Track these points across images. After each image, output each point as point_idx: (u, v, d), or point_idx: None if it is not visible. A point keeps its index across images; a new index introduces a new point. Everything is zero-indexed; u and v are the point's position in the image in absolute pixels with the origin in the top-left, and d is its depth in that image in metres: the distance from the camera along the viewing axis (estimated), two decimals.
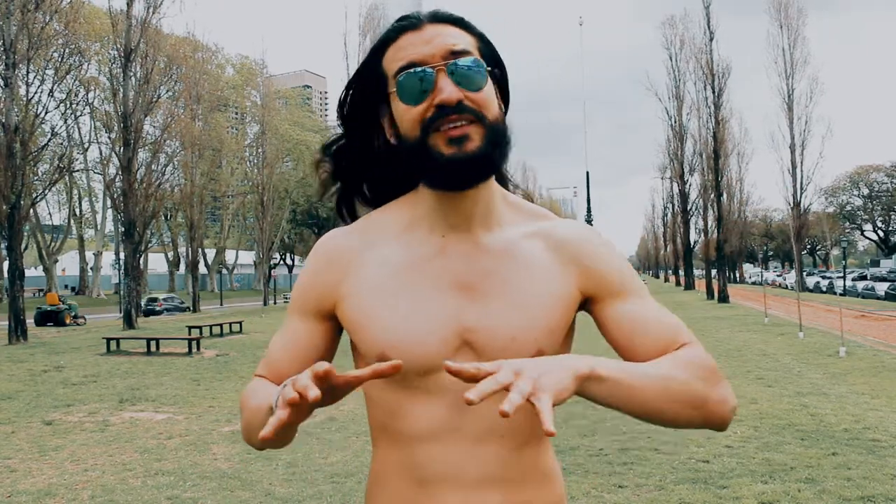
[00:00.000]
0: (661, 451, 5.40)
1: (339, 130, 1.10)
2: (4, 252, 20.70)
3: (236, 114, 54.99)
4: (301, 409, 0.78)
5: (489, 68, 0.97)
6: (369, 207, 1.11)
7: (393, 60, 0.96)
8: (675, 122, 40.02)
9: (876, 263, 64.17)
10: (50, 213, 48.96)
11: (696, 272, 51.03)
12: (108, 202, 34.56)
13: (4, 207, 17.43)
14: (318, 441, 6.08)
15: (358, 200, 1.12)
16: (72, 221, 45.84)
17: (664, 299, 35.05)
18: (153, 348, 14.06)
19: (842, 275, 42.90)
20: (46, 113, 23.33)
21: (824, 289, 41.89)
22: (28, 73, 19.32)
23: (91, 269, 47.29)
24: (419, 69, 0.93)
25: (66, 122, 36.39)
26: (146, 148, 27.26)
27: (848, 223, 71.03)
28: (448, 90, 0.91)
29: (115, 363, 12.31)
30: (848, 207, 70.51)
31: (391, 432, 1.01)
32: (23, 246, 21.04)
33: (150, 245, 42.03)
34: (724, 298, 31.20)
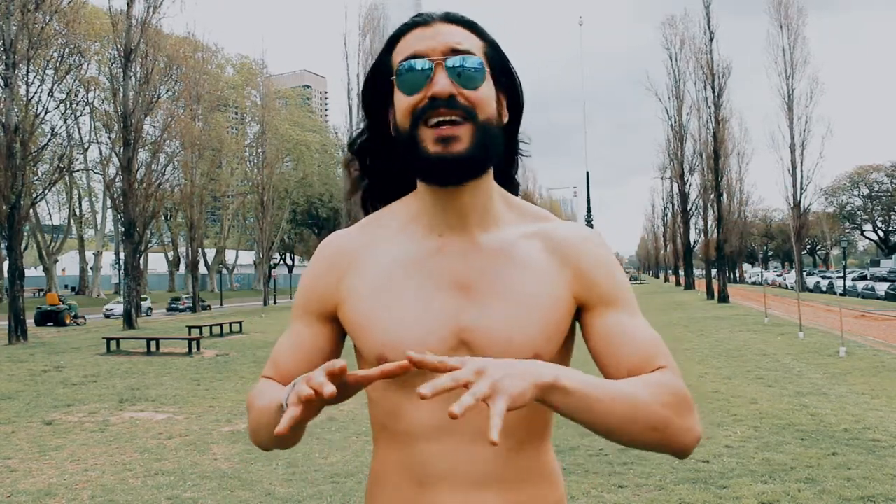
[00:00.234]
0: None
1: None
2: (4, 252, 20.70)
3: (236, 114, 55.01)
4: (313, 405, 0.79)
5: (492, 73, 0.99)
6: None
7: (399, 53, 0.99)
8: (675, 122, 40.03)
9: (876, 263, 64.18)
10: (50, 213, 49.00)
11: (696, 272, 51.03)
12: (108, 202, 34.57)
13: (4, 207, 17.43)
14: (318, 441, 6.08)
15: (375, 201, 1.12)
16: (72, 221, 45.86)
17: (664, 299, 35.08)
18: (153, 348, 14.06)
19: (842, 275, 42.90)
20: (46, 113, 23.36)
21: (824, 289, 41.90)
22: (28, 73, 19.33)
23: (91, 269, 47.31)
24: (420, 61, 0.95)
25: (66, 122, 36.42)
26: (146, 148, 27.27)
27: (848, 223, 71.04)
28: (442, 83, 0.93)
29: (115, 363, 12.31)
30: (848, 207, 70.53)
31: (391, 432, 1.02)
32: (23, 246, 21.04)
33: (150, 245, 42.05)
34: (724, 298, 31.20)
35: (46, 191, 32.99)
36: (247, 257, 69.35)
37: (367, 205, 1.13)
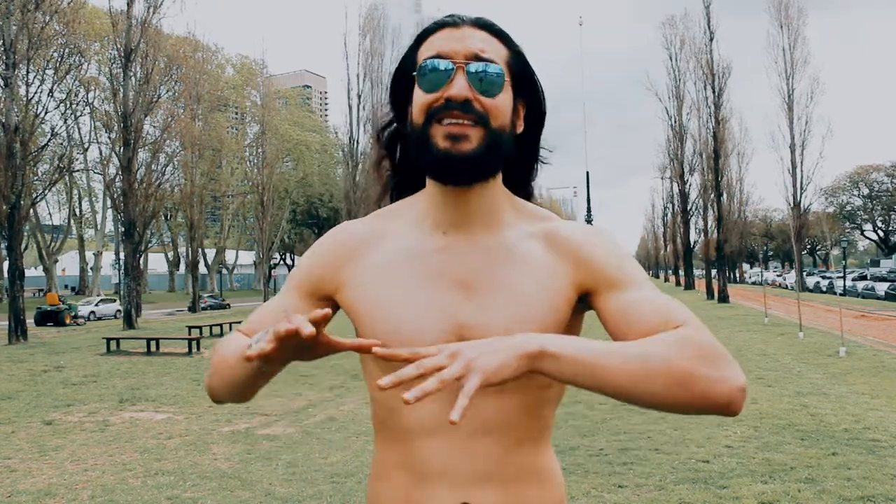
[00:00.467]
0: (661, 451, 5.40)
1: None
2: (4, 252, 20.70)
3: (236, 114, 54.99)
4: (286, 347, 0.80)
5: (513, 82, 1.00)
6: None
7: (425, 50, 1.01)
8: (675, 122, 40.01)
9: (876, 263, 64.15)
10: (50, 213, 48.98)
11: (696, 272, 51.02)
12: (108, 202, 34.56)
13: (4, 207, 17.43)
14: (318, 441, 6.08)
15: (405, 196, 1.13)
16: (72, 221, 45.85)
17: None
18: (153, 348, 14.06)
19: (842, 275, 42.89)
20: (46, 113, 23.35)
21: (824, 289, 41.89)
22: (28, 73, 19.32)
23: (91, 269, 47.29)
24: (442, 62, 0.97)
25: (66, 122, 36.40)
26: (146, 148, 27.27)
27: (848, 223, 71.03)
28: (460, 86, 0.95)
29: (115, 363, 12.31)
30: (848, 207, 70.51)
31: (390, 428, 1.03)
32: (23, 246, 21.04)
33: (150, 245, 42.07)
34: (724, 298, 31.20)
35: (46, 191, 32.98)
36: (247, 257, 69.35)
37: (394, 198, 1.15)
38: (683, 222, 42.02)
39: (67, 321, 24.52)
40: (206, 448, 5.96)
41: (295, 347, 0.82)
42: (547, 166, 1.14)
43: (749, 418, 6.51)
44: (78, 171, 42.03)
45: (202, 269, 50.94)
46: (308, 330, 0.77)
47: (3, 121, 17.40)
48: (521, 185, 1.11)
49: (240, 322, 14.33)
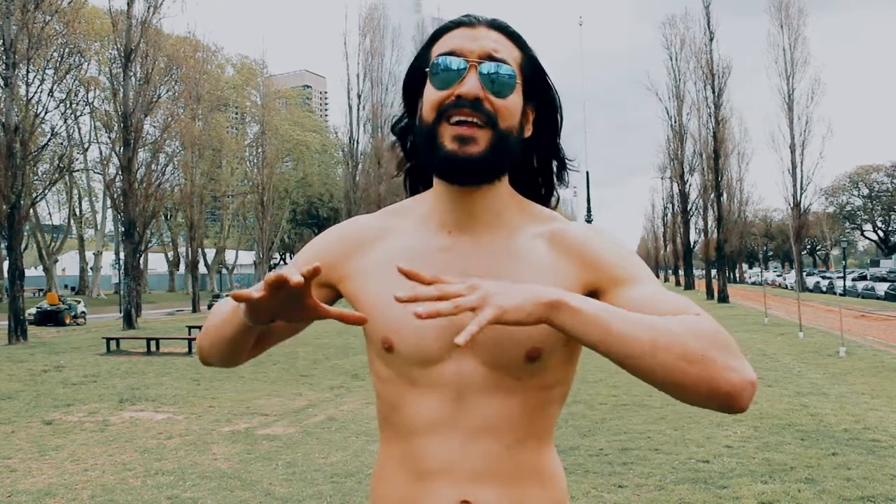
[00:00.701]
0: (661, 451, 5.40)
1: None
2: (4, 252, 20.70)
3: (236, 114, 54.99)
4: (273, 299, 0.84)
5: (524, 85, 1.01)
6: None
7: (438, 48, 1.02)
8: (675, 121, 40.01)
9: (876, 263, 64.15)
10: (50, 213, 48.96)
11: (696, 272, 51.03)
12: (108, 202, 34.55)
13: (4, 207, 17.43)
14: (318, 441, 6.08)
15: (417, 182, 1.15)
16: (72, 221, 45.83)
17: None
18: (153, 348, 14.06)
19: (842, 275, 42.90)
20: (46, 113, 23.34)
21: (824, 289, 41.90)
22: (28, 73, 19.31)
23: (91, 268, 47.28)
24: (455, 59, 0.98)
25: (66, 122, 36.39)
26: (146, 148, 27.26)
27: (848, 223, 71.01)
28: (471, 85, 0.96)
29: (115, 363, 12.31)
30: (848, 207, 70.51)
31: (393, 425, 1.04)
32: (23, 246, 21.03)
33: (150, 245, 42.04)
34: (724, 298, 31.21)
35: (46, 191, 32.97)
36: (247, 257, 69.32)
37: (407, 184, 1.16)
38: (683, 222, 42.02)
39: (67, 321, 24.51)
40: (206, 448, 5.96)
41: (283, 301, 0.85)
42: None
43: (749, 418, 6.51)
44: (78, 171, 42.00)
45: (202, 268, 50.92)
46: (296, 279, 0.80)
47: (3, 121, 17.40)
48: (531, 191, 1.11)
49: None
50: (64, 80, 26.50)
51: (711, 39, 34.30)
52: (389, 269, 1.02)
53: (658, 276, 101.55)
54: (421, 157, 1.04)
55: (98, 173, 40.87)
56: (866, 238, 75.91)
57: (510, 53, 1.00)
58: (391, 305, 0.99)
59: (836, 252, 74.07)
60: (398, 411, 1.02)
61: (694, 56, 36.36)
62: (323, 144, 56.02)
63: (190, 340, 13.99)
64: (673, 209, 51.69)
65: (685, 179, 40.54)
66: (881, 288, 34.59)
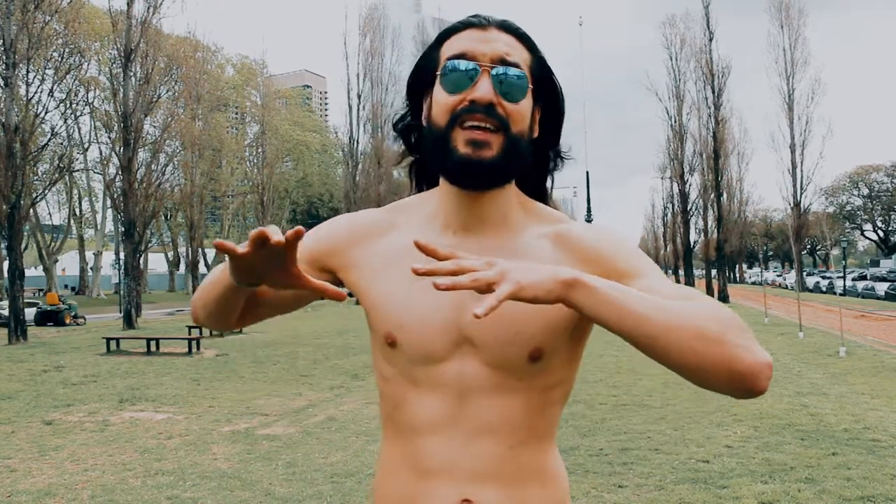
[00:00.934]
0: (661, 451, 5.40)
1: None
2: (4, 252, 20.69)
3: (236, 114, 55.00)
4: (257, 257, 0.84)
5: (533, 88, 1.01)
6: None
7: (448, 49, 1.01)
8: (675, 121, 39.96)
9: (876, 263, 64.14)
10: (50, 213, 48.95)
11: (696, 272, 51.03)
12: (108, 202, 34.55)
13: (4, 207, 17.43)
14: (318, 441, 6.08)
15: (421, 177, 1.15)
16: (72, 221, 45.83)
17: None
18: (153, 348, 14.06)
19: (842, 275, 42.90)
20: (46, 113, 23.34)
21: (824, 289, 41.90)
22: (28, 73, 19.31)
23: (91, 268, 47.28)
24: (468, 63, 0.97)
25: (66, 122, 36.39)
26: (146, 148, 27.25)
27: (848, 223, 71.01)
28: (484, 90, 0.95)
29: (115, 363, 12.31)
30: (848, 207, 70.51)
31: (395, 423, 1.04)
32: (23, 246, 21.02)
33: (150, 245, 42.03)
34: (723, 298, 31.19)
35: (46, 191, 32.95)
36: None
37: (413, 177, 1.16)
38: (683, 222, 41.98)
39: (67, 321, 24.51)
40: (206, 448, 5.96)
41: (266, 261, 0.85)
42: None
43: (749, 418, 6.52)
44: (78, 171, 42.00)
45: (202, 268, 50.93)
46: (276, 237, 0.81)
47: (3, 121, 17.40)
48: (534, 188, 1.12)
49: None
50: (64, 80, 26.51)
51: (711, 39, 34.30)
52: (396, 264, 1.02)
53: None
54: (431, 161, 1.03)
55: (98, 173, 40.88)
56: (866, 238, 75.91)
57: (521, 56, 1.00)
58: (397, 301, 1.01)
59: (836, 252, 74.08)
60: (400, 410, 1.02)
61: (694, 56, 36.36)
62: (323, 144, 56.04)
63: (190, 340, 13.99)
64: (673, 209, 51.65)
65: (685, 179, 40.51)
66: (881, 288, 34.59)
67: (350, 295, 1.05)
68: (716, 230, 36.42)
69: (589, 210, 37.16)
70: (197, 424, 6.97)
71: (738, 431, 6.02)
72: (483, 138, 0.95)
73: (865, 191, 68.99)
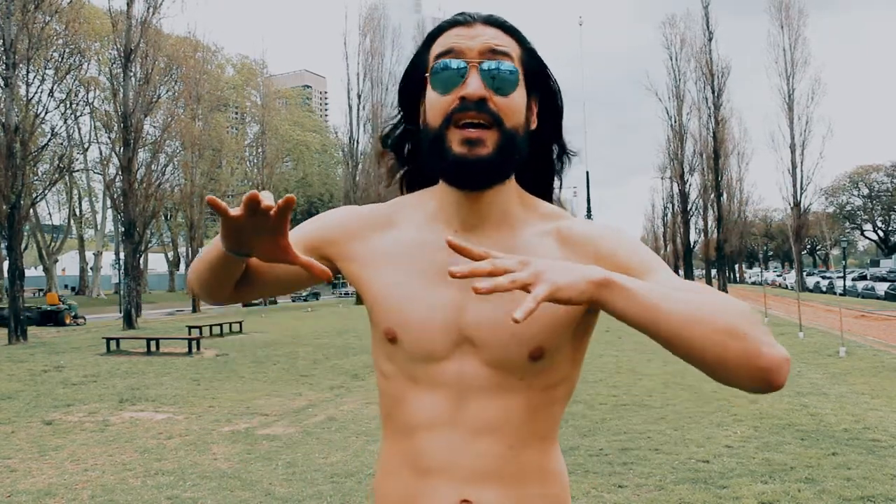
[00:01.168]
0: (661, 451, 5.40)
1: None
2: (4, 252, 20.69)
3: (236, 114, 55.00)
4: (248, 222, 0.85)
5: (526, 79, 1.00)
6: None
7: (436, 49, 1.00)
8: (675, 121, 40.04)
9: (876, 263, 64.14)
10: (50, 213, 48.98)
11: (696, 272, 51.03)
12: (108, 202, 34.55)
13: (4, 207, 17.43)
14: (318, 441, 6.08)
15: (416, 186, 1.14)
16: (72, 221, 45.85)
17: None
18: (153, 348, 14.06)
19: (842, 275, 42.89)
20: (46, 113, 23.33)
21: (824, 289, 41.88)
22: (28, 73, 19.32)
23: (91, 269, 47.29)
24: (455, 61, 0.96)
25: (66, 122, 36.40)
26: (146, 148, 27.26)
27: (848, 223, 71.04)
28: (474, 86, 0.94)
29: (115, 363, 12.31)
30: (848, 207, 70.54)
31: (395, 420, 1.04)
32: (23, 246, 21.03)
33: (150, 245, 42.03)
34: None
35: (46, 191, 32.96)
36: None
37: (403, 189, 1.16)
38: (683, 222, 42.04)
39: (67, 321, 24.52)
40: (206, 448, 5.96)
41: (257, 227, 0.86)
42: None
43: (749, 418, 6.52)
44: (78, 171, 42.02)
45: None
46: (267, 202, 0.82)
47: (3, 121, 17.41)
48: (539, 184, 1.11)
49: (241, 322, 14.29)
50: (64, 81, 26.50)
51: (711, 39, 34.35)
52: (397, 261, 1.02)
53: None
54: (428, 162, 1.02)
55: (98, 173, 40.89)
56: (866, 238, 75.93)
57: (510, 48, 0.99)
58: (399, 296, 1.00)
59: (836, 252, 74.09)
60: (400, 408, 1.02)
61: (694, 56, 36.44)
62: (323, 144, 56.07)
63: (190, 340, 14.00)
64: (673, 209, 51.69)
65: (685, 179, 40.58)
66: (881, 288, 34.58)
67: (342, 285, 1.06)
68: (716, 230, 36.49)
69: (589, 210, 37.18)
70: (197, 424, 6.97)
71: (738, 431, 6.02)
72: (477, 136, 0.94)
73: (865, 191, 69.01)
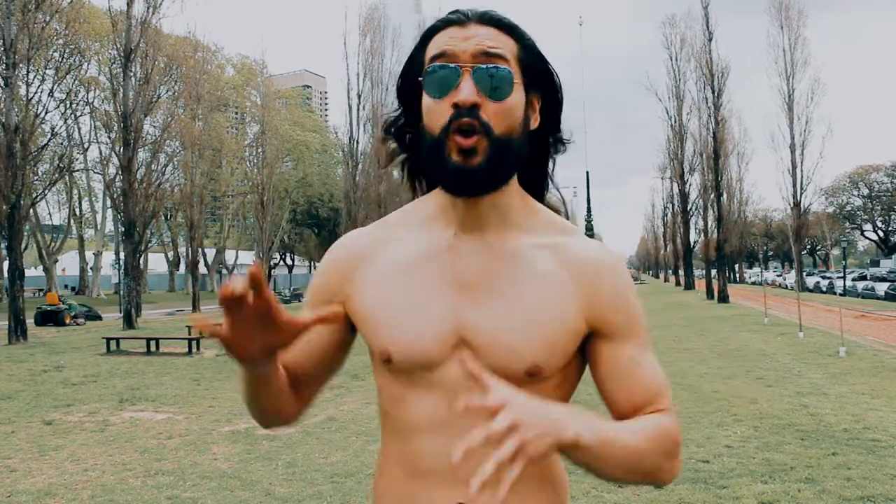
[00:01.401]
0: None
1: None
2: (4, 252, 20.69)
3: (236, 114, 54.98)
4: (241, 320, 0.84)
5: (524, 77, 0.98)
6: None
7: (431, 50, 0.98)
8: (675, 121, 40.00)
9: (876, 263, 64.16)
10: (50, 213, 49.00)
11: (696, 272, 51.02)
12: (108, 202, 34.56)
13: (4, 207, 17.43)
14: (318, 441, 6.08)
15: (417, 173, 1.12)
16: (72, 221, 45.85)
17: (664, 299, 35.06)
18: (153, 348, 14.06)
19: (842, 275, 42.90)
20: (46, 113, 23.37)
21: (824, 289, 41.88)
22: (28, 73, 19.32)
23: (91, 268, 47.29)
24: (448, 64, 0.94)
25: (66, 122, 36.40)
26: (146, 148, 27.27)
27: (848, 223, 71.05)
28: (466, 92, 0.92)
29: (115, 363, 12.31)
30: (848, 207, 70.55)
31: (393, 421, 1.03)
32: (23, 246, 21.03)
33: (150, 245, 42.08)
34: (724, 298, 31.18)
35: (46, 191, 33.02)
36: (247, 257, 69.28)
37: (410, 177, 1.12)
38: (683, 222, 42.01)
39: (67, 321, 24.52)
40: (206, 448, 5.96)
41: (252, 323, 0.84)
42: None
43: (749, 418, 6.52)
44: (78, 171, 42.03)
45: (202, 268, 50.94)
46: (238, 288, 0.80)
47: (3, 121, 17.40)
48: (540, 182, 1.10)
49: None
50: (64, 81, 26.52)
51: (711, 39, 34.29)
52: (387, 279, 1.01)
53: (658, 277, 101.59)
54: (428, 169, 1.01)
55: (98, 173, 40.89)
56: (866, 238, 75.94)
57: (506, 48, 0.96)
58: (387, 316, 0.99)
59: (836, 252, 74.09)
60: (398, 409, 1.01)
61: (694, 56, 36.37)
62: (323, 144, 56.01)
63: (190, 340, 14.00)
64: (673, 209, 51.70)
65: (685, 179, 40.54)
66: (881, 288, 34.58)
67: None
68: (716, 230, 36.42)
69: (589, 210, 37.13)
70: (197, 424, 6.97)
71: (738, 431, 6.01)
72: (470, 144, 0.92)
73: (865, 191, 69.03)
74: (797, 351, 11.80)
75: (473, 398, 0.79)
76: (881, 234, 70.45)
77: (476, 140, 0.93)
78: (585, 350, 1.02)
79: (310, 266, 68.73)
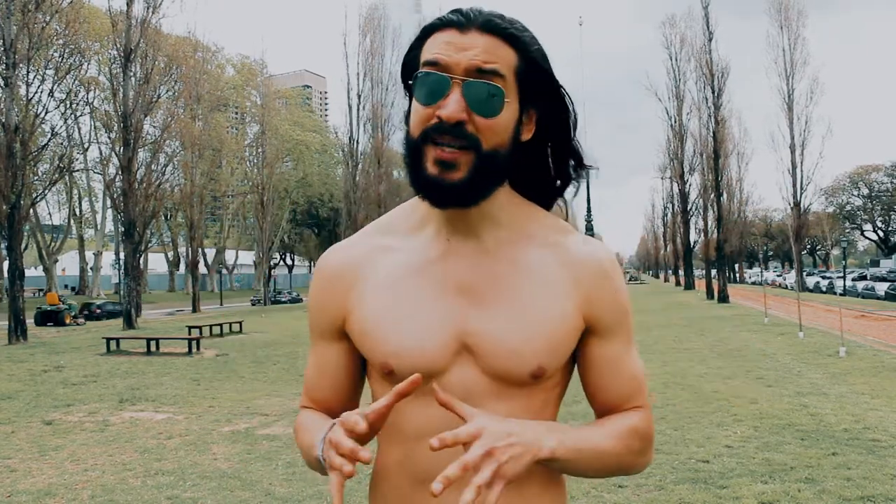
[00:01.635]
0: (661, 451, 5.40)
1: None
2: (4, 252, 20.70)
3: (236, 114, 54.99)
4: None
5: (522, 89, 0.95)
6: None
7: (427, 50, 0.94)
8: (675, 122, 40.04)
9: (876, 263, 64.19)
10: (50, 213, 49.02)
11: (696, 272, 51.03)
12: (108, 202, 34.57)
13: (4, 207, 17.44)
14: None
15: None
16: (72, 221, 45.87)
17: (664, 299, 35.06)
18: (153, 348, 14.06)
19: (842, 275, 42.89)
20: (46, 113, 23.39)
21: (824, 289, 41.88)
22: (28, 73, 19.34)
23: (91, 268, 47.29)
24: (439, 75, 0.91)
25: (66, 122, 36.43)
26: (146, 148, 27.29)
27: (848, 223, 71.05)
28: (452, 108, 0.89)
29: (115, 363, 12.31)
30: (848, 207, 70.56)
31: (392, 428, 1.01)
32: (23, 246, 21.04)
33: (150, 245, 42.08)
34: (724, 298, 31.18)
35: (46, 191, 33.03)
36: (247, 257, 69.34)
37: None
38: (683, 222, 42.05)
39: (67, 321, 24.53)
40: (206, 448, 5.96)
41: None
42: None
43: (749, 418, 6.52)
44: (78, 171, 42.05)
45: (202, 268, 50.95)
46: (366, 456, 0.84)
47: (3, 121, 17.41)
48: (538, 191, 1.08)
49: (241, 322, 14.27)
50: (64, 81, 26.53)
51: (711, 39, 34.29)
52: (386, 291, 0.99)
53: (658, 277, 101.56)
54: (407, 171, 0.98)
55: (98, 173, 40.93)
56: (866, 238, 75.96)
57: (504, 61, 0.92)
58: (389, 328, 0.98)
59: (836, 252, 74.10)
60: (399, 418, 0.99)
61: (694, 56, 36.39)
62: (323, 144, 56.01)
63: (190, 340, 14.00)
64: (673, 209, 51.74)
65: (685, 179, 40.57)
66: (881, 288, 34.59)
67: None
68: (716, 230, 36.43)
69: (589, 210, 37.13)
70: (197, 424, 6.97)
71: (738, 431, 6.01)
72: (450, 158, 0.90)
73: (865, 191, 69.04)
74: (797, 351, 11.79)
75: (445, 436, 0.82)
76: (881, 234, 70.46)
77: (458, 154, 0.90)
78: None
79: (310, 266, 68.72)
